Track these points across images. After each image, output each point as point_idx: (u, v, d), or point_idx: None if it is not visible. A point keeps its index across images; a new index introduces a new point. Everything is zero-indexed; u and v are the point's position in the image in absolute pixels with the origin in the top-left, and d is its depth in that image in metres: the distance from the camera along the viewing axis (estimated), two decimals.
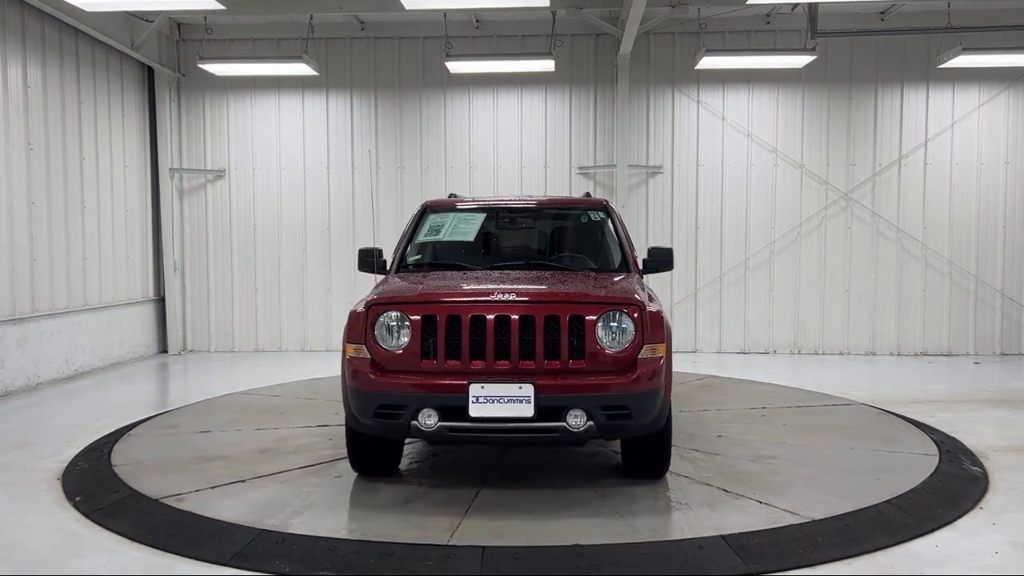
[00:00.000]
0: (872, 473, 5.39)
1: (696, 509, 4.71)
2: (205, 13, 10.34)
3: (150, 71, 11.20)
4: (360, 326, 4.76)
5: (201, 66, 10.25)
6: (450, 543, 4.20)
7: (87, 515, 4.71)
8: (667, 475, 5.29)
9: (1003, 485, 5.22)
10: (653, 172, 11.22)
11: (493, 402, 4.51)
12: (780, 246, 11.18)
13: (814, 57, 10.00)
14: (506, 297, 4.72)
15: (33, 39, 8.90)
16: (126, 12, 10.00)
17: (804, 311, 11.17)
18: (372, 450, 5.22)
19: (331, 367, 9.83)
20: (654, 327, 4.74)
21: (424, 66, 11.27)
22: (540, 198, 7.04)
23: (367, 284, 11.16)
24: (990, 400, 8.02)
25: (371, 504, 4.85)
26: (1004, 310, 11.06)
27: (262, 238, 11.52)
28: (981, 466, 5.62)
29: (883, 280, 11.13)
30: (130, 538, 4.36)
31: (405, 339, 4.69)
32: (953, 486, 5.16)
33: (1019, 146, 10.99)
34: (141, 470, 5.49)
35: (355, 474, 5.36)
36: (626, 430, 4.75)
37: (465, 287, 5.11)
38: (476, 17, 10.79)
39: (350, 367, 4.77)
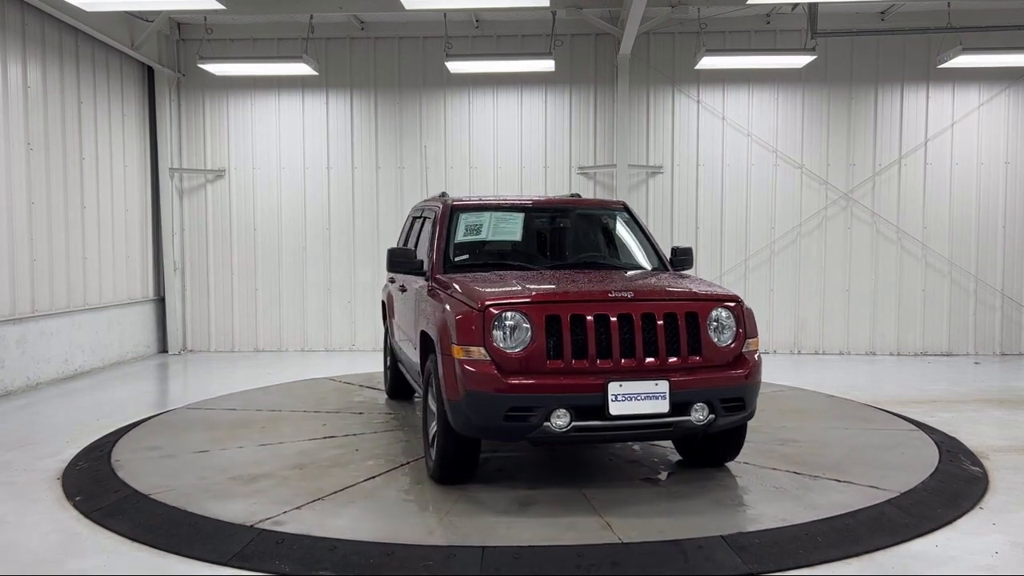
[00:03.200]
0: (904, 453, 5.79)
1: (793, 491, 4.99)
2: (205, 13, 10.34)
3: (150, 71, 11.20)
4: (477, 327, 4.62)
5: (201, 66, 10.25)
6: (450, 543, 4.20)
7: (87, 515, 4.71)
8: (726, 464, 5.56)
9: (1003, 485, 5.22)
10: (653, 172, 11.22)
11: (631, 399, 4.53)
12: (780, 246, 11.18)
13: (814, 57, 10.00)
14: (624, 296, 4.76)
15: (33, 39, 8.90)
16: (126, 12, 10.00)
17: (804, 311, 11.17)
18: (469, 456, 5.03)
19: (331, 367, 9.86)
20: (750, 322, 5.03)
21: (424, 66, 11.27)
22: (562, 198, 7.08)
23: (367, 284, 11.27)
24: (990, 400, 8.02)
25: (505, 510, 4.67)
26: (1004, 310, 11.06)
27: (262, 238, 11.52)
28: (981, 466, 5.62)
29: (883, 280, 11.13)
30: (130, 538, 4.36)
31: (526, 340, 4.61)
32: (953, 486, 5.16)
33: (1019, 146, 10.99)
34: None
35: (431, 483, 5.14)
36: (737, 420, 4.96)
37: (580, 287, 5.02)
38: (476, 17, 10.79)
39: (467, 369, 4.59)
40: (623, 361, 4.64)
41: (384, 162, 11.39)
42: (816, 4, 9.68)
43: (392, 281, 7.53)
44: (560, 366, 4.59)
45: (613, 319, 4.65)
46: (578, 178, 11.26)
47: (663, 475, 5.44)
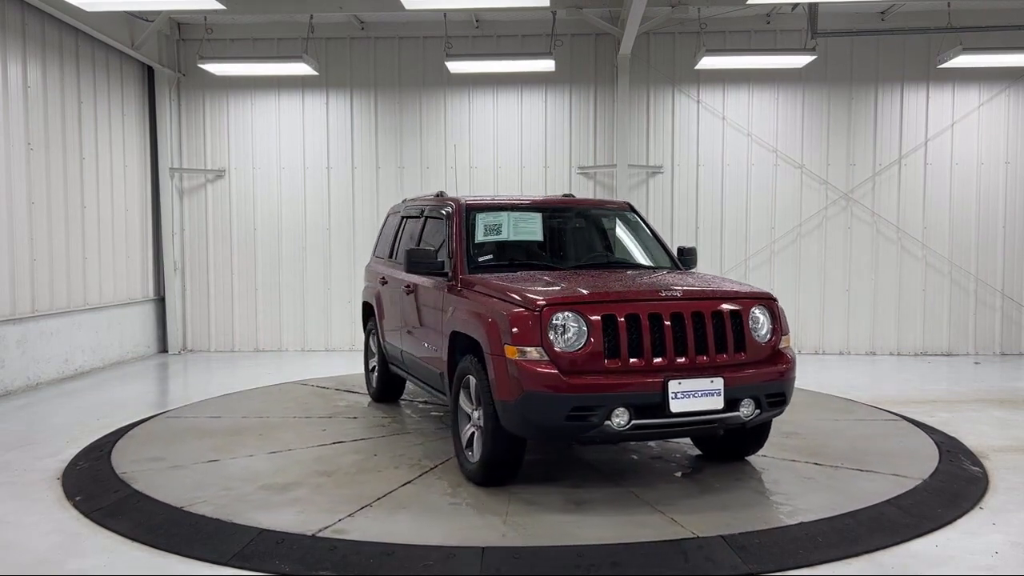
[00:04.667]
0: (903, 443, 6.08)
1: (823, 480, 5.22)
2: (205, 13, 10.34)
3: (150, 71, 11.20)
4: (534, 327, 4.62)
5: (201, 66, 10.25)
6: (450, 543, 4.19)
7: (87, 515, 4.71)
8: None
9: (1003, 485, 5.22)
10: (653, 172, 11.21)
11: (690, 397, 4.62)
12: (780, 246, 11.18)
13: (814, 57, 10.00)
14: (675, 295, 4.86)
15: (33, 39, 8.90)
16: (126, 12, 10.00)
17: (804, 311, 11.16)
18: (515, 457, 5.02)
19: (330, 367, 9.86)
20: (783, 319, 5.22)
21: (424, 66, 11.27)
22: (571, 198, 7.12)
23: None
24: (990, 400, 8.02)
25: (563, 509, 4.70)
26: (1004, 310, 11.06)
27: (262, 238, 11.52)
28: (981, 466, 5.62)
29: (883, 280, 11.13)
30: (130, 538, 4.36)
31: (582, 339, 4.62)
32: (953, 486, 5.16)
33: (1019, 146, 10.99)
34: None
35: (471, 485, 5.08)
36: (776, 414, 5.10)
37: (632, 287, 5.07)
38: (476, 17, 10.79)
39: (525, 370, 4.57)
40: (679, 359, 4.72)
41: (384, 162, 11.39)
42: (816, 4, 9.68)
43: (383, 282, 7.31)
44: (617, 365, 4.63)
45: (667, 318, 4.74)
46: (578, 178, 11.26)
47: (693, 470, 5.53)
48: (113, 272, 10.41)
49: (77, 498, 5.00)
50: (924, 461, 5.62)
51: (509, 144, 11.30)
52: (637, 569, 3.91)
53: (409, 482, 5.21)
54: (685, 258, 6.35)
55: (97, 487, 5.19)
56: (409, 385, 7.59)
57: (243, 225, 11.52)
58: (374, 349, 7.76)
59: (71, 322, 9.46)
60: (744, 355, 4.89)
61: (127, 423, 6.89)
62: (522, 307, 4.74)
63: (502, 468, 5.03)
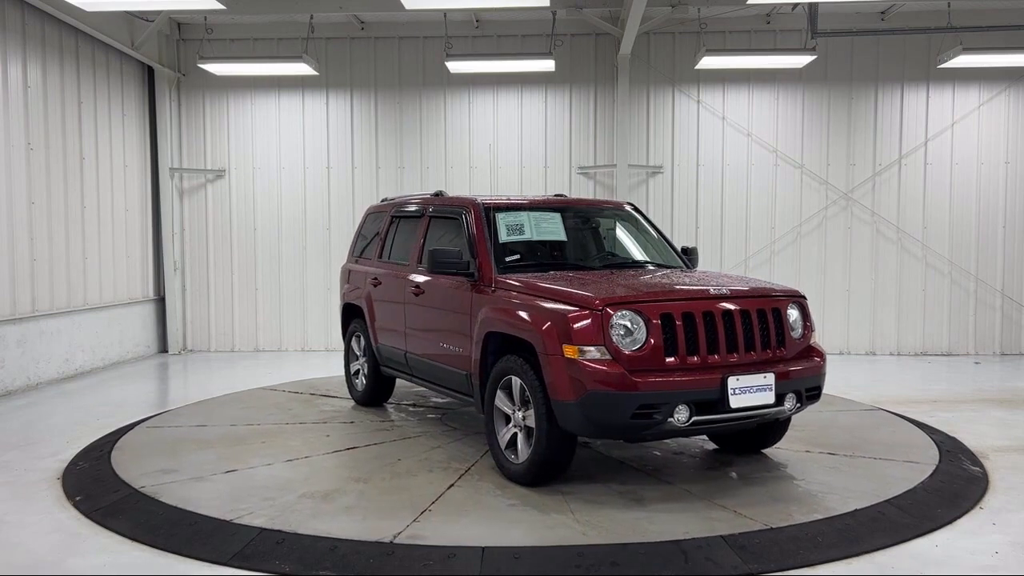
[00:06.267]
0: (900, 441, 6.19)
1: (848, 469, 5.42)
2: (205, 13, 10.34)
3: (150, 71, 11.21)
4: (596, 327, 4.65)
5: (201, 66, 10.25)
6: (451, 543, 4.19)
7: (87, 515, 4.71)
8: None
9: (1003, 485, 5.22)
10: (653, 172, 11.22)
11: (747, 392, 4.75)
12: (780, 246, 11.19)
13: (814, 57, 10.00)
14: (723, 293, 4.98)
15: (33, 39, 8.90)
16: (126, 12, 10.00)
17: None
18: (567, 456, 5.03)
19: (330, 367, 9.86)
20: (811, 317, 5.41)
21: (424, 66, 11.27)
22: (571, 198, 7.16)
23: None
24: (990, 400, 8.02)
25: (626, 507, 4.72)
26: (1004, 310, 11.06)
27: (262, 238, 11.52)
28: (981, 466, 5.62)
29: (883, 280, 11.13)
30: (130, 538, 4.36)
31: (642, 338, 4.68)
32: (953, 486, 5.16)
33: (1019, 146, 10.99)
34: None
35: (516, 486, 5.04)
36: (807, 407, 5.21)
37: (683, 287, 5.12)
38: (476, 17, 10.79)
39: (589, 369, 4.58)
40: (731, 356, 4.84)
41: (384, 162, 11.39)
42: (816, 4, 9.68)
43: (376, 283, 7.13)
44: (675, 363, 4.71)
45: (720, 316, 4.85)
46: (578, 178, 11.27)
47: (723, 464, 5.64)
48: (113, 272, 10.42)
49: (77, 498, 4.99)
50: (925, 455, 5.75)
51: (509, 144, 11.30)
52: (637, 569, 3.91)
53: (452, 485, 5.13)
54: (689, 258, 6.47)
55: (97, 487, 5.18)
56: (398, 388, 7.49)
57: (243, 225, 11.53)
58: (357, 352, 7.58)
59: (71, 322, 9.46)
60: (784, 351, 5.07)
61: (127, 423, 6.88)
62: (583, 307, 4.76)
63: (553, 468, 5.03)
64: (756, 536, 4.27)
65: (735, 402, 4.70)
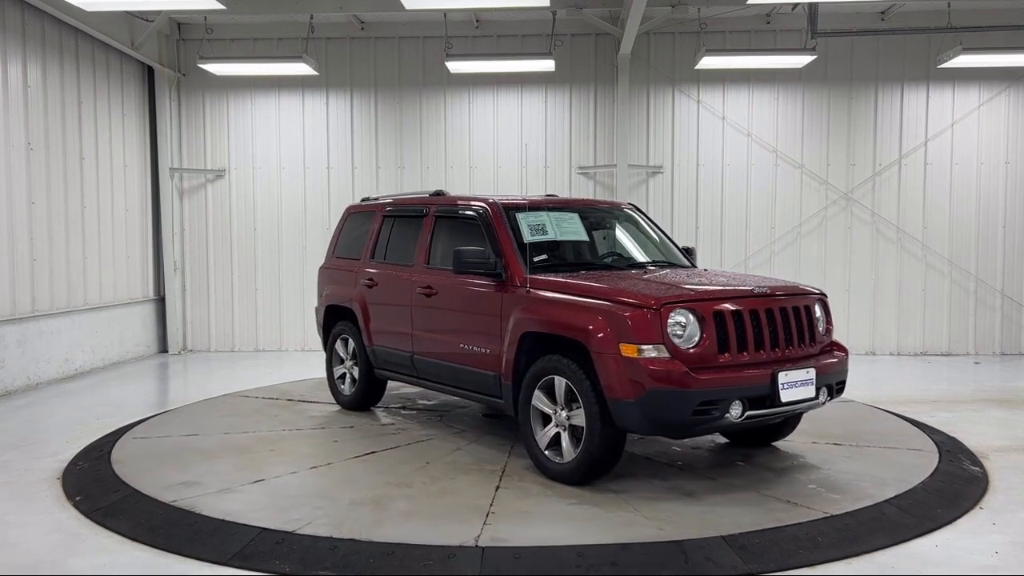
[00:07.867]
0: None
1: (862, 459, 5.63)
2: (205, 13, 10.34)
3: (150, 71, 11.20)
4: (654, 325, 4.70)
5: (201, 66, 10.25)
6: (450, 543, 4.20)
7: (87, 515, 4.71)
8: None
9: (1003, 485, 5.22)
10: (653, 172, 11.22)
11: (794, 387, 4.93)
12: (780, 246, 11.18)
13: (814, 57, 10.00)
14: (766, 292, 5.14)
15: (33, 39, 8.90)
16: (126, 12, 10.00)
17: None
18: (617, 454, 5.05)
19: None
20: (831, 314, 5.62)
21: (424, 66, 11.27)
22: (578, 199, 7.29)
23: None
24: (990, 400, 8.02)
25: (683, 501, 4.81)
26: (1004, 310, 11.06)
27: (262, 237, 11.52)
28: (981, 466, 5.62)
29: (883, 280, 11.13)
30: (130, 538, 4.36)
31: (697, 336, 4.77)
32: (953, 486, 5.16)
33: (1019, 146, 10.99)
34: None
35: (562, 485, 5.04)
36: (834, 399, 5.40)
37: (731, 286, 5.26)
38: (476, 17, 10.79)
39: (650, 367, 4.61)
40: (777, 352, 5.01)
41: (384, 162, 11.39)
42: (816, 4, 9.68)
43: (371, 284, 6.98)
44: (728, 360, 4.82)
45: (765, 313, 5.01)
46: (578, 178, 11.27)
47: (746, 457, 5.75)
48: (113, 272, 10.41)
49: (77, 498, 4.99)
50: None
51: (509, 144, 11.30)
52: (637, 569, 3.91)
53: (499, 487, 5.08)
54: (690, 258, 6.62)
55: (97, 487, 5.18)
56: (389, 391, 7.47)
57: (243, 225, 11.52)
58: (343, 355, 7.43)
59: (71, 322, 9.46)
60: (814, 346, 5.27)
61: (127, 422, 6.87)
62: (639, 306, 4.79)
63: (603, 466, 5.06)
64: (756, 536, 4.27)
65: (785, 396, 4.87)
